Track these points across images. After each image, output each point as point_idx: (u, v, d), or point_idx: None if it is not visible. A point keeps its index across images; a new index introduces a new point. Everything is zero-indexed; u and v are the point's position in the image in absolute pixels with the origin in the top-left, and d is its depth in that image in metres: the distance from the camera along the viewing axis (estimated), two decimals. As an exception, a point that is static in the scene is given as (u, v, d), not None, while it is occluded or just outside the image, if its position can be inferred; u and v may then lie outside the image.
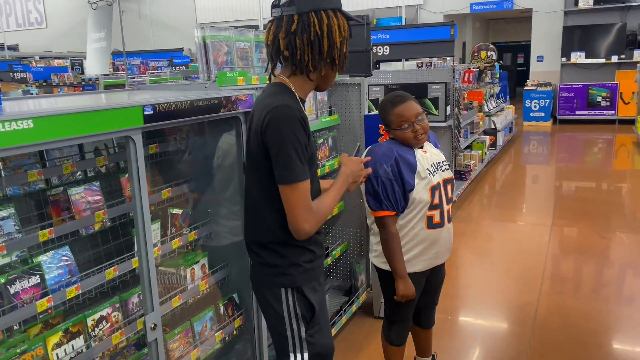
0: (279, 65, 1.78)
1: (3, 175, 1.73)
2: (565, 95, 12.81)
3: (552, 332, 3.34)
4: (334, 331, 3.20)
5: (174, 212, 2.29)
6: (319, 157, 3.16)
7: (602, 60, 12.72)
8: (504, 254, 4.80)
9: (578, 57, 12.92)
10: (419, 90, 5.56)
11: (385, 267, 2.42)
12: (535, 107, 12.79)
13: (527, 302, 3.75)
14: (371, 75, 3.48)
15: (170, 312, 2.15)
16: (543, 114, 12.78)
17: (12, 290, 1.61)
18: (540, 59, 13.61)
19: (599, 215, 5.68)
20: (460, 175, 6.76)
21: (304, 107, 1.79)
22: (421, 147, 2.41)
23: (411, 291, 2.34)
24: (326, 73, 1.76)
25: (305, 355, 1.75)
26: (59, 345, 1.69)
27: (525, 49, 17.30)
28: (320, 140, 3.19)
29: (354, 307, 3.47)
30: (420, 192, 2.30)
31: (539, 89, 12.81)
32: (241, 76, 2.45)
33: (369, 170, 1.94)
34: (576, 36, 12.96)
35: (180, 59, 11.40)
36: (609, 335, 3.31)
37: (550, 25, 13.26)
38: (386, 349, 2.64)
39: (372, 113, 3.48)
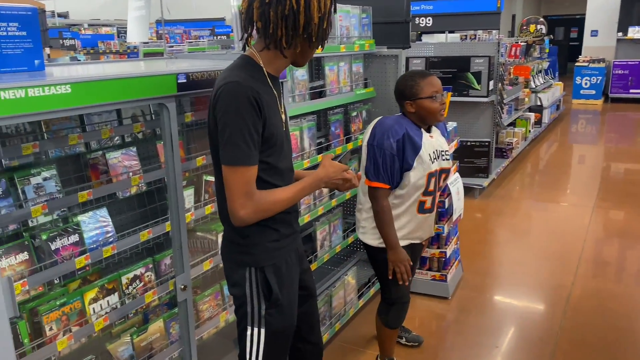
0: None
1: (46, 137, 1.82)
2: (619, 72, 12.22)
3: (585, 315, 3.28)
4: (361, 302, 3.25)
5: (207, 179, 2.35)
6: (352, 130, 3.15)
7: (662, 36, 12.02)
8: (541, 234, 4.71)
9: (636, 32, 12.24)
10: (461, 64, 5.42)
11: (373, 243, 2.40)
12: (585, 84, 12.27)
13: (562, 283, 3.68)
14: (409, 47, 3.41)
15: (201, 275, 2.22)
16: (594, 92, 12.25)
17: (53, 247, 1.71)
18: (594, 33, 12.98)
19: (645, 199, 5.47)
20: (501, 152, 6.61)
21: (278, 84, 1.67)
22: (429, 132, 2.38)
23: (402, 258, 2.32)
24: (302, 49, 1.60)
25: (262, 331, 1.70)
26: (95, 300, 1.79)
27: (579, 22, 16.49)
28: (354, 113, 3.18)
29: (383, 280, 3.49)
30: (417, 176, 2.28)
31: (591, 65, 12.25)
32: (276, 46, 2.45)
33: (348, 175, 1.71)
34: (635, 9, 12.25)
35: (222, 28, 11.44)
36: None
37: (607, -3, 12.59)
38: (381, 331, 2.60)
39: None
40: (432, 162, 2.32)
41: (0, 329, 1.31)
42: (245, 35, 1.62)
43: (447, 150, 2.43)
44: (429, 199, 2.36)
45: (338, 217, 3.11)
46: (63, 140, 1.83)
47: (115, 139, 2.08)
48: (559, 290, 3.60)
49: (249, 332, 1.70)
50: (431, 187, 2.34)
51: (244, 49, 1.67)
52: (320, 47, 1.63)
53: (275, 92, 1.63)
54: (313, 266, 2.84)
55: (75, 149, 1.91)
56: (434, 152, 2.34)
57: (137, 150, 2.07)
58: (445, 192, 3.39)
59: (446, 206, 3.40)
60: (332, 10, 1.60)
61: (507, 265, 4.08)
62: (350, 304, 3.10)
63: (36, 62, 1.75)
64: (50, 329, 1.65)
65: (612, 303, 3.42)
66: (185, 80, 1.73)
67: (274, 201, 1.59)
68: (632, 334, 3.07)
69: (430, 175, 2.32)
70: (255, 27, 1.57)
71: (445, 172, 2.42)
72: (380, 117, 2.41)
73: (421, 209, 2.36)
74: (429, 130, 2.39)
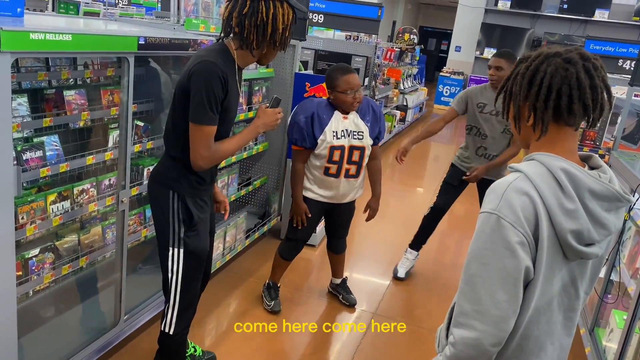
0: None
1: (22, 71, 2.26)
2: (473, 85, 14.16)
3: (419, 262, 4.35)
4: (248, 242, 3.96)
5: (137, 123, 2.89)
6: (254, 101, 3.83)
7: (510, 60, 14.13)
8: (395, 208, 5.78)
9: (491, 53, 14.27)
10: (344, 60, 6.31)
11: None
12: (446, 92, 14.07)
13: (405, 241, 4.73)
14: (305, 40, 4.16)
15: (129, 198, 2.77)
16: (452, 100, 14.06)
17: (24, 157, 2.18)
18: (458, 49, 14.85)
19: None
20: (369, 140, 7.66)
21: (240, 74, 2.14)
22: (346, 113, 2.97)
23: (300, 210, 3.08)
24: (267, 51, 2.12)
25: (182, 251, 2.14)
26: (54, 202, 2.28)
27: (450, 37, 18.56)
28: (257, 88, 3.86)
29: (265, 227, 4.23)
30: (320, 147, 2.95)
31: (453, 76, 14.07)
32: (203, 24, 3.06)
33: (280, 116, 2.21)
34: (493, 33, 14.27)
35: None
36: (444, 260, 4.37)
37: (472, 19, 14.44)
38: (275, 259, 3.38)
39: (301, 72, 4.19)
40: (338, 138, 2.92)
41: (6, 206, 1.81)
42: (223, 35, 2.11)
43: (361, 132, 2.97)
44: (333, 167, 3.00)
45: (235, 172, 3.78)
46: (33, 76, 2.29)
47: (70, 80, 2.55)
48: (401, 246, 4.64)
49: (170, 253, 2.15)
50: (335, 158, 2.96)
51: (218, 40, 2.14)
52: (281, 50, 2.14)
53: (238, 79, 2.13)
54: (212, 208, 3.48)
55: (40, 83, 2.37)
56: (343, 131, 2.93)
57: (86, 93, 2.56)
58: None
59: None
60: (292, 22, 2.10)
61: (364, 228, 5.05)
62: (239, 241, 3.79)
63: (18, 9, 2.20)
64: (22, 218, 2.13)
65: (440, 256, 4.53)
66: (144, 42, 2.29)
67: (225, 149, 2.11)
68: (450, 277, 4.17)
69: (333, 148, 2.93)
70: (233, 31, 2.06)
71: (357, 149, 2.99)
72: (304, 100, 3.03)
73: (326, 172, 3.03)
74: (346, 112, 2.96)
